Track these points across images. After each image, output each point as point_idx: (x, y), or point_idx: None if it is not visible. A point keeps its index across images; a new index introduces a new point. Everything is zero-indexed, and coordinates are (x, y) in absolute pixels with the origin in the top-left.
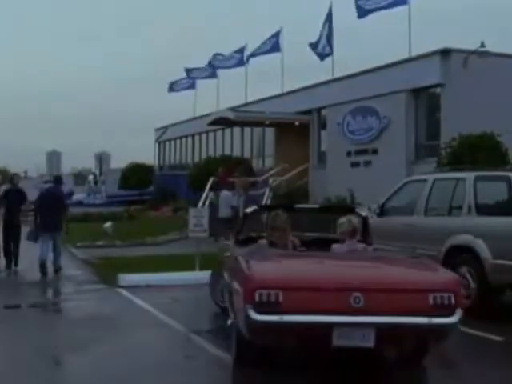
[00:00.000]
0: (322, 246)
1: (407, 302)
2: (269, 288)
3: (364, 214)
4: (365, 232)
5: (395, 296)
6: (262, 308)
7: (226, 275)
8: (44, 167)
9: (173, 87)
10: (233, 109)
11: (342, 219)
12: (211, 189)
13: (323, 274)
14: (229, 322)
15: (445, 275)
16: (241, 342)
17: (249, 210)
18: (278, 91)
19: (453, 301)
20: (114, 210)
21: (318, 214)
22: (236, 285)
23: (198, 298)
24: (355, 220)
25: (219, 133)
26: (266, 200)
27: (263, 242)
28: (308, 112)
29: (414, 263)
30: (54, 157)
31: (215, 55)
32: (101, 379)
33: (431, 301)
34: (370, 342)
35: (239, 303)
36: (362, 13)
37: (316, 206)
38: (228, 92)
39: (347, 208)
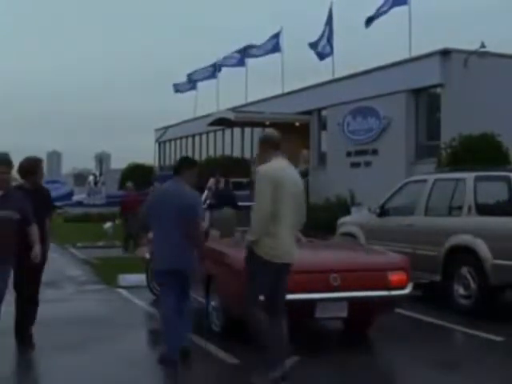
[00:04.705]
0: None
1: (372, 279)
2: None
3: None
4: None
5: (363, 275)
6: None
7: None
8: (44, 167)
9: (177, 88)
10: (233, 109)
11: None
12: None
13: (309, 259)
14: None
15: (397, 257)
16: (229, 319)
17: None
18: (278, 91)
19: (405, 277)
20: (114, 211)
21: None
22: (230, 273)
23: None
24: None
25: (219, 133)
26: None
27: (217, 233)
28: (308, 112)
29: (370, 249)
30: (54, 157)
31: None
32: (99, 379)
33: (390, 277)
34: (344, 313)
35: (238, 288)
36: (368, 22)
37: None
38: (228, 92)
39: None
